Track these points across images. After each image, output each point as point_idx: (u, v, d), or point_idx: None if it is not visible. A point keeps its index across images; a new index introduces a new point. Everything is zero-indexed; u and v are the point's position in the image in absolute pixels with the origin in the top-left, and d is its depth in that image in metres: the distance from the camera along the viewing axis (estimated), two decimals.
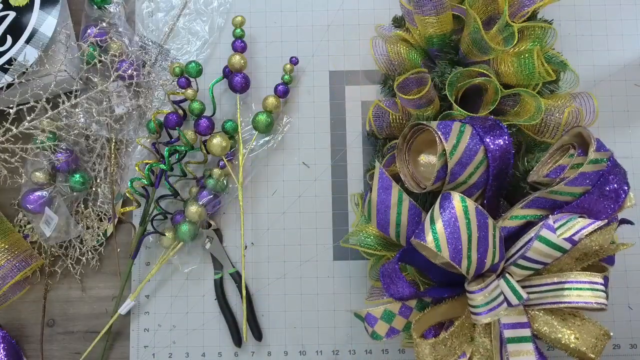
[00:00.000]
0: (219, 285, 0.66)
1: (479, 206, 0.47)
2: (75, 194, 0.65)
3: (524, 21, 0.58)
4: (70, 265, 0.66)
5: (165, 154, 0.63)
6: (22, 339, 0.66)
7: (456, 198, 0.47)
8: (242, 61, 0.65)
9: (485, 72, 0.56)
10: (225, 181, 0.65)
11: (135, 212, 0.67)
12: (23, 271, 0.61)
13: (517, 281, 0.49)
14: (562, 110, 0.56)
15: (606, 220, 0.47)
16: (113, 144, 0.66)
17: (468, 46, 0.57)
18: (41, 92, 0.57)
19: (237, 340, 0.65)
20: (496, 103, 0.55)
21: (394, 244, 0.57)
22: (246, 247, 0.67)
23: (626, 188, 0.47)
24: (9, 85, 0.61)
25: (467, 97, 0.60)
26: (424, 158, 0.56)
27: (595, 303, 0.47)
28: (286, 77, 0.67)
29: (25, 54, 0.61)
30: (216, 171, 0.64)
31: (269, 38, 0.70)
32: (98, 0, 0.64)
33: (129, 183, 0.64)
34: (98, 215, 0.67)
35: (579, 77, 0.59)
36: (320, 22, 0.70)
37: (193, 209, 0.62)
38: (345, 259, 0.67)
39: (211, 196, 0.64)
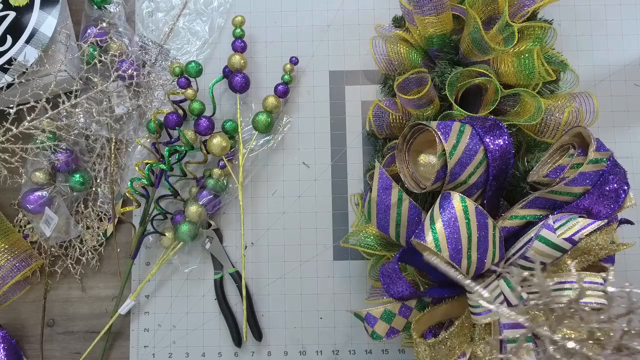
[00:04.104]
0: (219, 285, 0.66)
1: (479, 206, 0.47)
2: (75, 194, 0.65)
3: (524, 21, 0.58)
4: (70, 265, 0.66)
5: (165, 154, 0.63)
6: (22, 339, 0.66)
7: (456, 198, 0.47)
8: (242, 61, 0.65)
9: (485, 72, 0.56)
10: (225, 181, 0.65)
11: (135, 212, 0.67)
12: (23, 271, 0.61)
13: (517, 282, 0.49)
14: (562, 110, 0.56)
15: (606, 220, 0.47)
16: (113, 144, 0.66)
17: (468, 46, 0.57)
18: (41, 92, 0.57)
19: (237, 340, 0.65)
20: (496, 103, 0.56)
21: (394, 244, 0.57)
22: (246, 247, 0.67)
23: (626, 188, 0.47)
24: (9, 85, 0.61)
25: (467, 97, 0.60)
26: (424, 158, 0.56)
27: (595, 303, 0.47)
28: (286, 77, 0.67)
29: (25, 54, 0.61)
30: (216, 171, 0.64)
31: (269, 38, 0.70)
32: (98, 0, 0.64)
33: (129, 183, 0.64)
34: (98, 215, 0.67)
35: (579, 77, 0.59)
36: (320, 22, 0.70)
37: (193, 209, 0.62)
38: (345, 259, 0.67)
39: (211, 196, 0.64)
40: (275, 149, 0.68)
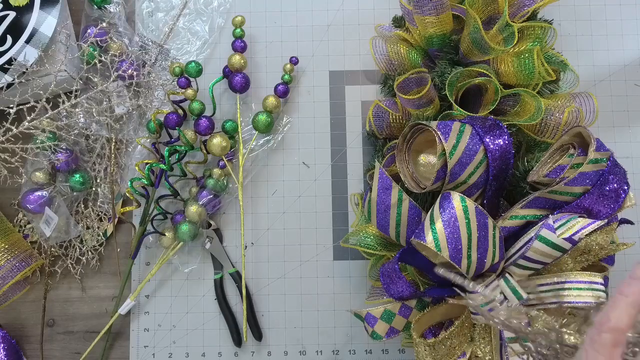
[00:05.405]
0: (219, 285, 0.66)
1: (479, 206, 0.47)
2: (75, 194, 0.65)
3: (524, 21, 0.58)
4: (70, 265, 0.66)
5: (165, 154, 0.63)
6: (22, 339, 0.66)
7: (456, 198, 0.47)
8: (242, 61, 0.65)
9: (485, 72, 0.56)
10: (225, 181, 0.65)
11: (135, 212, 0.67)
12: (23, 271, 0.61)
13: (517, 281, 0.49)
14: (562, 110, 0.56)
15: (606, 220, 0.47)
16: (113, 144, 0.66)
17: (468, 46, 0.57)
18: (41, 92, 0.57)
19: (237, 340, 0.65)
20: (496, 103, 0.55)
21: (394, 244, 0.57)
22: (246, 247, 0.67)
23: (626, 188, 0.47)
24: (9, 85, 0.61)
25: (467, 97, 0.60)
26: (424, 158, 0.56)
27: (595, 303, 0.47)
28: (286, 77, 0.67)
29: (25, 54, 0.61)
30: (216, 171, 0.64)
31: (269, 38, 0.70)
32: (98, 0, 0.64)
33: (129, 183, 0.64)
34: (98, 215, 0.67)
35: (579, 77, 0.59)
36: (320, 22, 0.70)
37: (193, 209, 0.62)
38: (345, 259, 0.67)
39: (211, 196, 0.64)
40: (275, 149, 0.68)
